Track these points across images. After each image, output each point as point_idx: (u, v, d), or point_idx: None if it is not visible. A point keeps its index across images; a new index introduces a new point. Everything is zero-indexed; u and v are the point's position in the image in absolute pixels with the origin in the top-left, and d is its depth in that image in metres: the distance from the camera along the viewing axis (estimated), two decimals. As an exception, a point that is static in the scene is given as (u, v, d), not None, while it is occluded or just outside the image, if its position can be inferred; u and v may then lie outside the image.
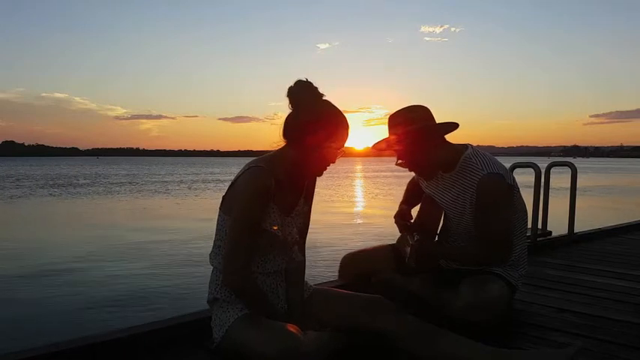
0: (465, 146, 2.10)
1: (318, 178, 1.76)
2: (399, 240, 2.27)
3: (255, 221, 1.58)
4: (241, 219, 1.57)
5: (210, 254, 1.71)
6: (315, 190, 1.83)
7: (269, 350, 1.42)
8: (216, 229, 1.68)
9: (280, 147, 1.68)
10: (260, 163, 1.61)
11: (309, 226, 1.85)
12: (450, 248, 2.27)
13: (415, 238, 2.14)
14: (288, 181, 1.67)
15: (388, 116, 2.10)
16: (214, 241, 1.68)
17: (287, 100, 1.64)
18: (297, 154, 1.64)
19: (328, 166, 1.67)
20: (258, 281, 1.66)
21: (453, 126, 2.05)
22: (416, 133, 2.00)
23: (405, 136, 2.01)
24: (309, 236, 1.85)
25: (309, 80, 1.62)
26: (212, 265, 1.70)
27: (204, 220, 11.35)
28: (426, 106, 2.07)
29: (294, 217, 1.73)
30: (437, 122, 2.06)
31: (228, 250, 1.58)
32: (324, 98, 1.64)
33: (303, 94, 1.62)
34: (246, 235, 1.56)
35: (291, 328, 1.50)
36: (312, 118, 1.60)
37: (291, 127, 1.64)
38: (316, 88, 1.63)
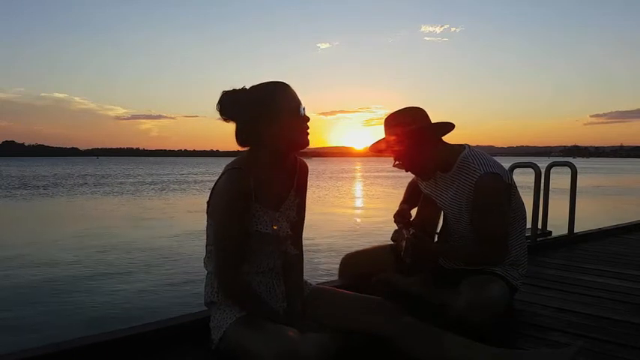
0: (462, 146, 2.11)
1: (312, 176, 1.73)
2: (395, 235, 2.27)
3: (238, 226, 1.55)
4: (223, 226, 1.55)
5: (204, 259, 1.70)
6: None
7: (267, 354, 1.40)
8: (206, 235, 1.66)
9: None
10: (236, 165, 1.58)
11: (305, 222, 1.83)
12: (446, 246, 2.27)
13: (410, 232, 2.14)
14: (272, 175, 1.64)
15: (384, 118, 2.10)
16: (206, 245, 1.68)
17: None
18: (270, 142, 1.59)
19: (306, 131, 1.62)
20: (254, 281, 1.66)
21: (449, 126, 2.07)
22: (415, 133, 2.02)
23: (405, 136, 2.02)
24: (308, 236, 1.84)
25: (226, 90, 1.60)
26: (206, 269, 1.70)
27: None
28: (421, 108, 2.09)
29: (285, 210, 1.70)
30: (433, 123, 2.07)
31: (217, 261, 1.57)
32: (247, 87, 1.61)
33: (230, 102, 1.58)
34: (231, 242, 1.54)
35: (290, 331, 1.48)
36: (253, 102, 1.56)
37: (247, 129, 1.59)
38: (233, 90, 1.60)
